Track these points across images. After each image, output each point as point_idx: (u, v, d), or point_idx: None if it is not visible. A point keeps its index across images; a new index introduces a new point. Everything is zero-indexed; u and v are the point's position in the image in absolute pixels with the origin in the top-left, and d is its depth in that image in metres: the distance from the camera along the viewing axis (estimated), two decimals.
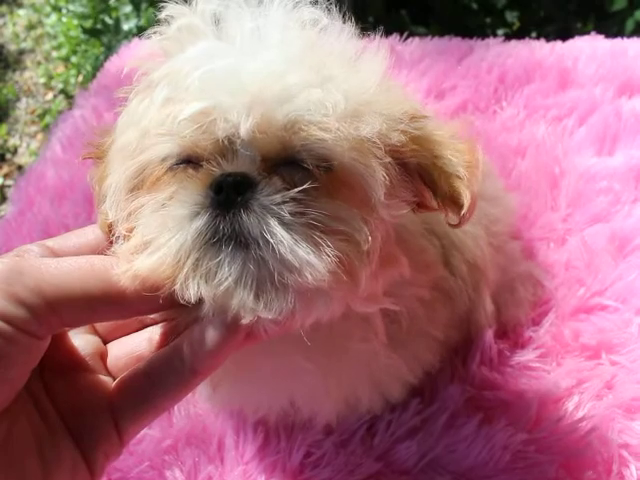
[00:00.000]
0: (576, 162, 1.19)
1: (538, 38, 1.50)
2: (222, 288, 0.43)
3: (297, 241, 0.43)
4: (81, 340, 0.50)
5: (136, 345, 0.50)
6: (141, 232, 0.45)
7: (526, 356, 0.95)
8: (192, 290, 0.43)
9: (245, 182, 0.44)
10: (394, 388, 0.75)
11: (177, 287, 0.43)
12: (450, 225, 0.55)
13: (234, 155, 0.45)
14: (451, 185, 0.52)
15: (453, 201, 0.53)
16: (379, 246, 0.49)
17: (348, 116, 0.46)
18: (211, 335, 0.43)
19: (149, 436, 0.91)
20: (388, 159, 0.49)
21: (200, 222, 0.43)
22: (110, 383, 0.48)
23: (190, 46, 0.47)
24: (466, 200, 0.52)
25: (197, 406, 0.93)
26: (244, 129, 0.43)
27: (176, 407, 0.93)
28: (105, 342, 0.52)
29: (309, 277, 0.43)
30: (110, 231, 0.53)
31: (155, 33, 0.51)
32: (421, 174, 0.53)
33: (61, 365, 0.47)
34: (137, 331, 0.52)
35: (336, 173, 0.47)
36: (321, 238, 0.44)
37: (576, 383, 0.91)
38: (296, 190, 0.44)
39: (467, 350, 0.96)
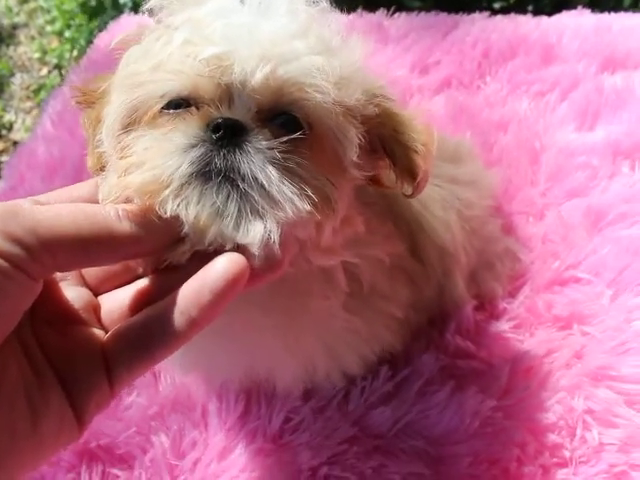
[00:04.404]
0: (557, 137, 1.21)
1: (535, 11, 1.49)
2: (205, 213, 0.46)
3: (283, 181, 0.48)
4: (73, 292, 0.50)
5: (129, 298, 0.50)
6: (138, 153, 0.49)
7: (500, 327, 0.98)
8: (170, 206, 0.46)
9: (241, 127, 0.48)
10: (351, 360, 0.77)
11: (158, 202, 0.46)
12: (405, 195, 0.61)
13: (231, 102, 0.50)
14: (409, 158, 0.58)
15: (409, 172, 0.59)
16: (344, 205, 0.55)
17: (340, 83, 0.52)
18: (210, 279, 0.44)
19: (136, 403, 0.95)
20: (361, 127, 0.55)
21: (197, 152, 0.47)
22: (102, 335, 0.48)
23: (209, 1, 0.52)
24: (421, 172, 0.58)
25: None
26: (258, 76, 0.48)
27: (162, 375, 0.97)
28: (96, 295, 0.52)
29: (290, 212, 0.47)
30: (102, 169, 0.56)
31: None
32: (384, 145, 0.59)
33: (53, 316, 0.47)
34: (128, 283, 0.52)
35: (318, 133, 0.52)
36: (302, 184, 0.49)
37: (546, 352, 0.94)
38: (285, 138, 0.49)
39: (443, 321, 0.99)
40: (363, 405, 0.89)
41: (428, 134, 0.60)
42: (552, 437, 0.85)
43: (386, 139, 0.59)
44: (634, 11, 1.51)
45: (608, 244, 1.03)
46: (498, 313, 1.01)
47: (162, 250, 0.48)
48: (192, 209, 0.46)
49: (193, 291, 0.44)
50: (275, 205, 0.47)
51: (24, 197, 1.29)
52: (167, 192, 0.46)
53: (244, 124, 0.49)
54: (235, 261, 0.44)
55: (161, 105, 0.51)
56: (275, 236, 0.46)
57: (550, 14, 1.49)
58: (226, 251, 0.46)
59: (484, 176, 1.02)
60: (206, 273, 0.45)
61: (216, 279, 0.44)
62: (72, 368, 0.45)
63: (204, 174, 0.47)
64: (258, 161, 0.48)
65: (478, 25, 1.42)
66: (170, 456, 0.90)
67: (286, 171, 0.48)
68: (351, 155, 0.53)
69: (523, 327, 0.99)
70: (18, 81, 2.69)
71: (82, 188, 0.52)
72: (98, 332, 0.48)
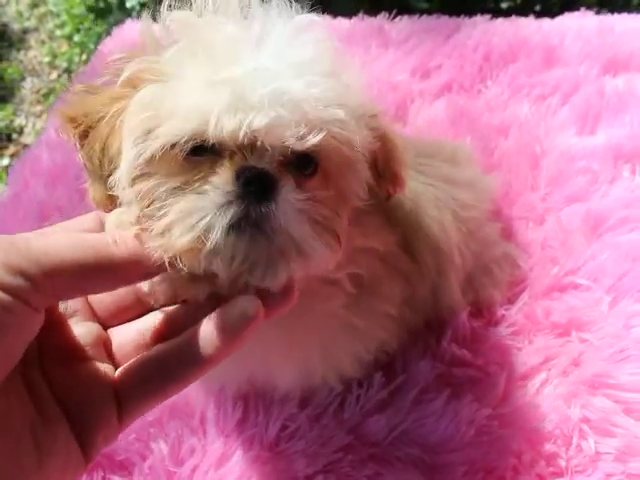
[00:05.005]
0: (557, 141, 1.20)
1: (542, 10, 1.47)
2: (238, 267, 0.49)
3: (314, 236, 0.50)
4: (82, 327, 0.50)
5: (141, 332, 0.51)
6: (173, 212, 0.49)
7: (498, 334, 0.98)
8: (208, 264, 0.49)
9: (270, 178, 0.49)
10: (347, 360, 0.78)
11: (198, 261, 0.48)
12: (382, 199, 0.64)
13: (254, 148, 0.50)
14: (394, 171, 0.63)
15: (392, 182, 0.63)
16: (345, 231, 0.57)
17: (358, 127, 0.54)
18: (229, 320, 0.46)
19: None
20: (366, 163, 0.57)
21: (234, 210, 0.48)
22: (111, 370, 0.49)
23: (247, 55, 0.51)
24: (401, 180, 0.63)
25: None
26: (310, 143, 0.49)
27: None
28: (106, 328, 0.53)
29: (316, 262, 0.51)
30: (110, 204, 0.57)
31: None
32: (376, 164, 0.61)
33: (61, 354, 0.48)
34: (139, 317, 0.53)
35: (330, 173, 0.55)
36: (324, 232, 0.52)
37: (544, 360, 0.94)
38: (314, 195, 0.51)
39: (441, 328, 0.99)
40: (359, 413, 0.90)
41: (403, 144, 0.63)
42: (548, 446, 0.85)
43: (379, 161, 0.61)
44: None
45: (607, 250, 1.03)
46: (496, 320, 1.00)
47: (157, 274, 0.49)
48: (227, 265, 0.49)
49: (211, 331, 0.46)
50: (303, 256, 0.50)
51: (28, 203, 1.28)
52: (205, 252, 0.48)
53: (273, 175, 0.49)
54: (252, 302, 0.47)
55: (184, 151, 0.50)
56: (295, 278, 0.50)
57: (558, 14, 1.48)
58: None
59: (482, 179, 1.02)
60: (224, 314, 0.47)
61: (234, 320, 0.46)
62: (80, 404, 0.46)
63: (238, 228, 0.48)
64: (289, 215, 0.49)
65: (479, 28, 1.42)
66: (169, 463, 0.91)
67: (312, 222, 0.51)
68: (359, 191, 0.57)
69: (521, 334, 0.98)
70: (28, 85, 2.72)
71: (85, 222, 0.53)
72: (108, 367, 0.49)
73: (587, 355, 0.93)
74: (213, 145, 0.50)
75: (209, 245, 0.47)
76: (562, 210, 1.11)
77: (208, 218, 0.48)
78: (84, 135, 0.58)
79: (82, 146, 0.58)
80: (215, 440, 0.92)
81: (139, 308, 0.54)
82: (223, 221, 0.47)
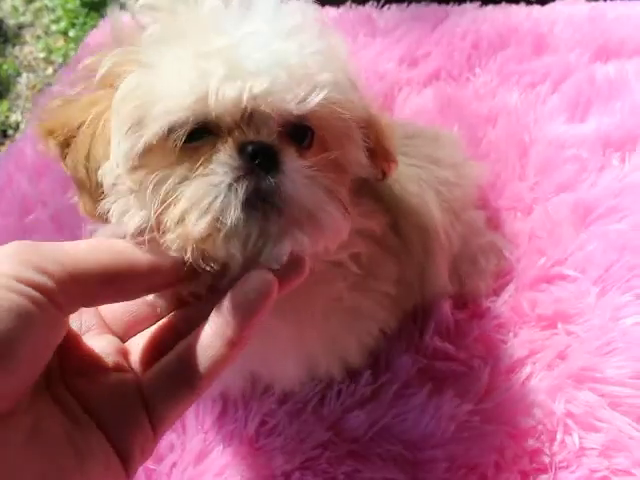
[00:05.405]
0: (547, 130, 1.18)
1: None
2: (253, 247, 0.47)
3: (326, 201, 0.50)
4: (101, 340, 0.49)
5: (156, 340, 0.50)
6: (185, 198, 0.47)
7: (483, 326, 0.96)
8: (230, 248, 0.47)
9: (272, 150, 0.48)
10: (353, 347, 0.77)
11: (215, 246, 0.47)
12: (377, 179, 0.63)
13: (250, 121, 0.49)
14: (385, 147, 0.62)
15: (385, 159, 0.62)
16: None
17: (352, 89, 0.53)
18: (243, 299, 0.44)
19: None
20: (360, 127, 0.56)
21: (243, 185, 0.46)
22: (135, 379, 0.47)
23: (234, 24, 0.50)
24: (393, 156, 0.63)
25: None
26: (311, 104, 0.48)
27: None
28: (122, 342, 0.52)
29: (332, 232, 0.51)
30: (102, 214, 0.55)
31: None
32: (367, 140, 0.59)
33: (82, 366, 0.47)
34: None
35: (328, 141, 0.54)
36: (333, 198, 0.51)
37: (529, 353, 0.92)
38: (318, 158, 0.51)
39: (424, 321, 0.97)
40: (339, 409, 0.88)
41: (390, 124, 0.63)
42: (531, 442, 0.83)
43: (370, 140, 0.59)
44: None
45: (595, 240, 1.00)
46: (481, 312, 0.98)
47: (184, 280, 0.48)
48: (244, 245, 0.47)
49: (227, 313, 0.44)
50: (318, 223, 0.49)
51: (11, 197, 1.26)
52: (223, 234, 0.47)
53: (274, 147, 0.48)
54: (265, 274, 0.45)
55: (182, 136, 0.49)
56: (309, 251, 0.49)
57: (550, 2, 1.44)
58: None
59: (466, 164, 0.99)
60: (238, 293, 0.45)
61: (249, 298, 0.44)
62: (111, 415, 0.45)
63: (250, 204, 0.47)
64: (299, 183, 0.48)
65: (468, 16, 1.39)
66: (148, 460, 0.89)
67: (322, 189, 0.50)
68: (358, 159, 0.56)
69: (506, 327, 0.96)
70: (24, 81, 2.70)
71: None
72: (132, 376, 0.48)
73: (573, 348, 0.91)
74: (210, 128, 0.49)
75: (228, 225, 0.46)
76: (550, 200, 1.09)
77: (222, 196, 0.46)
78: (65, 145, 0.56)
79: (65, 157, 0.56)
80: (194, 436, 0.91)
81: (152, 319, 0.52)
82: (237, 197, 0.46)
